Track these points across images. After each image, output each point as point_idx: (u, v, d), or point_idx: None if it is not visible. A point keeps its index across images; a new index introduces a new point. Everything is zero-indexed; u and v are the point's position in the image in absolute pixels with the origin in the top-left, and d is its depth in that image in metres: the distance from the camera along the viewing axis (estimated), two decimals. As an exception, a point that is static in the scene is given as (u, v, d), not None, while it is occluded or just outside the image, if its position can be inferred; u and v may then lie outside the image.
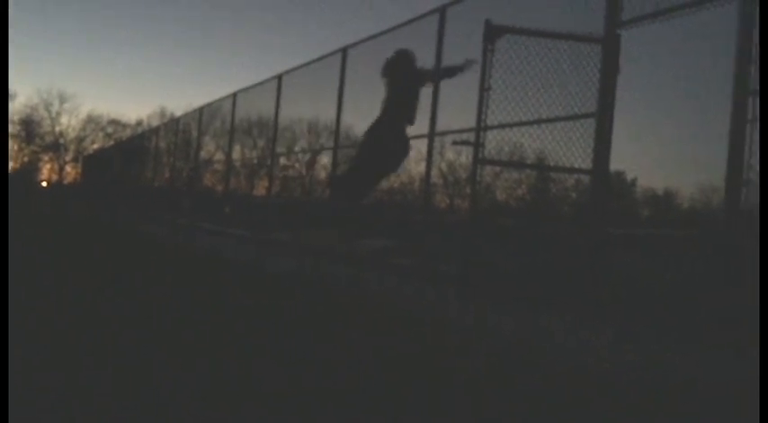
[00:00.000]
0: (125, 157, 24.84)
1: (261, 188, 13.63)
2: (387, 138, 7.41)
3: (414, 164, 8.71)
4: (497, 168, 12.90)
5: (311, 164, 13.49)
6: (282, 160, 13.32)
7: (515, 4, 6.20)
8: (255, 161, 13.84)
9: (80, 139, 55.96)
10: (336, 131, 9.41)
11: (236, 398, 2.03)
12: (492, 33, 5.39)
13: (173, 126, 19.37)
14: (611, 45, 4.98)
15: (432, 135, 7.11)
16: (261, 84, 12.49)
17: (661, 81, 5.39)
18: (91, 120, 56.12)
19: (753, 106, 3.91)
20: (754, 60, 3.95)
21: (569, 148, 5.66)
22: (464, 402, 2.15)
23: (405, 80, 7.28)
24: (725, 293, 3.93)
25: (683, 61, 4.91)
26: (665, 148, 5.43)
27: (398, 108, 7.32)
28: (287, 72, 11.25)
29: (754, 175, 4.06)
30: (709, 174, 4.69)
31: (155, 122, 38.87)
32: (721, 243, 4.10)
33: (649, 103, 5.78)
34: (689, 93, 4.87)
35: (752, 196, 4.14)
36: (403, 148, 7.49)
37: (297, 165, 14.87)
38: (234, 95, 13.85)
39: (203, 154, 16.54)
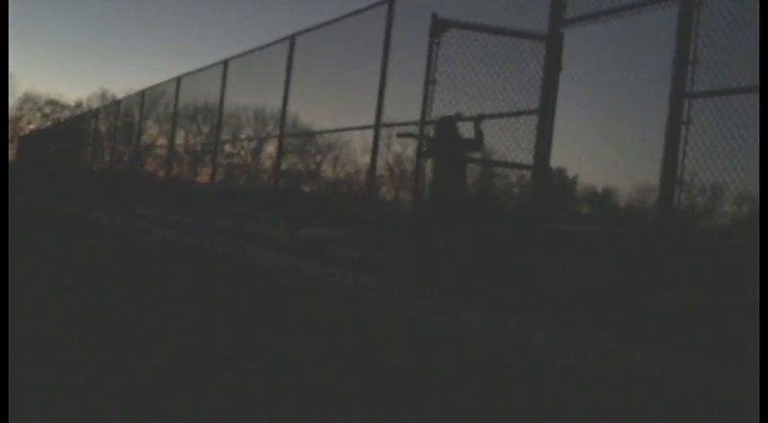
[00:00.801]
0: (63, 139, 24.07)
1: (205, 175, 13.40)
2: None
3: (360, 155, 8.69)
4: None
5: (257, 152, 13.32)
6: (227, 147, 13.12)
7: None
8: (199, 148, 13.59)
9: (16, 119, 53.97)
10: (282, 119, 9.30)
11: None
12: (438, 27, 5.39)
13: (113, 109, 18.85)
14: (555, 43, 5.04)
15: (377, 127, 7.09)
16: (206, 68, 12.24)
17: (605, 80, 5.48)
18: (28, 99, 54.16)
19: (687, 108, 4.02)
20: (691, 62, 4.05)
21: (513, 144, 5.73)
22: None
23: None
24: (656, 288, 4.04)
25: (627, 61, 5.00)
26: (606, 147, 5.53)
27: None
28: (233, 58, 11.06)
29: (687, 175, 4.18)
30: (647, 172, 4.79)
31: (95, 104, 37.76)
32: (655, 239, 4.20)
33: (592, 102, 5.88)
34: (631, 92, 4.96)
35: (685, 195, 4.26)
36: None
37: (242, 152, 14.67)
38: (178, 79, 13.54)
39: (145, 138, 16.15)
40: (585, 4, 4.77)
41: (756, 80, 3.72)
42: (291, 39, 9.04)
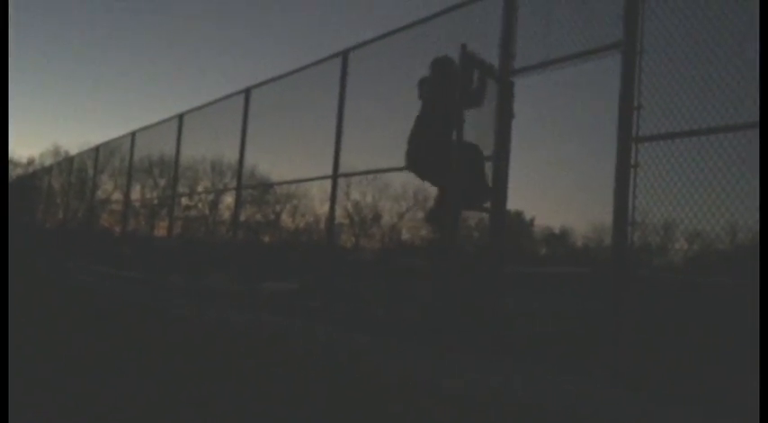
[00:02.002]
0: (15, 198, 23.55)
1: (161, 229, 13.23)
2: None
3: (319, 204, 8.71)
4: (402, 208, 12.99)
5: (215, 204, 13.24)
6: (184, 200, 13.01)
7: (413, 50, 6.38)
8: (156, 201, 13.44)
9: (-35, 178, 52.55)
10: (239, 171, 9.29)
11: None
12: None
13: (67, 165, 18.57)
14: (506, 91, 5.19)
15: (335, 176, 7.14)
16: (161, 123, 12.22)
17: (561, 126, 5.62)
18: (-23, 158, 52.87)
19: (635, 152, 4.16)
20: (636, 108, 4.21)
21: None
22: None
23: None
24: (608, 326, 4.10)
25: (579, 107, 5.15)
26: (562, 189, 5.65)
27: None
28: (188, 111, 11.08)
29: (639, 215, 4.30)
30: (601, 214, 4.91)
31: (48, 161, 37.14)
32: (608, 279, 4.28)
33: (548, 147, 6.03)
34: (583, 137, 5.10)
35: (637, 236, 4.37)
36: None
37: (200, 205, 14.55)
38: (133, 134, 13.48)
39: (100, 193, 15.91)
40: (533, 54, 4.93)
41: (697, 125, 3.89)
42: (247, 92, 9.13)
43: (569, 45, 4.71)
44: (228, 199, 11.39)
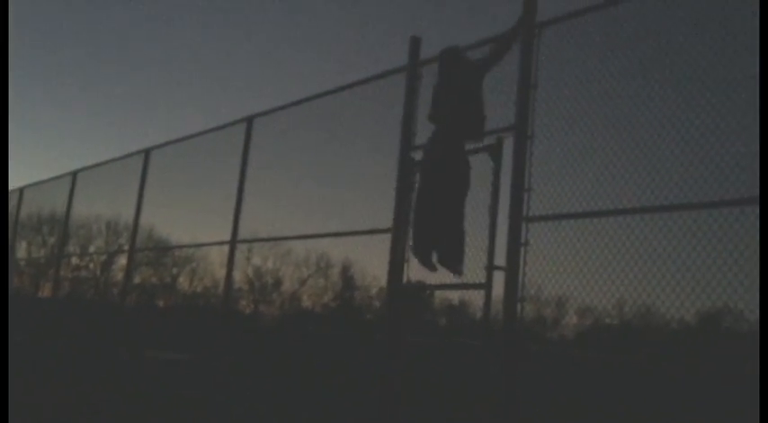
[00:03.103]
0: None
1: (47, 289, 12.51)
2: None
3: (218, 268, 8.51)
4: (304, 275, 12.91)
5: (107, 264, 12.70)
6: (75, 260, 12.42)
7: (321, 120, 6.47)
8: (43, 260, 12.76)
9: None
10: (134, 232, 8.99)
11: None
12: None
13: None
14: (406, 166, 5.31)
15: (233, 242, 7.03)
16: (53, 179, 11.73)
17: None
18: None
19: (525, 231, 4.32)
20: (526, 190, 4.40)
21: (371, 259, 5.89)
22: None
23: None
24: (500, 397, 4.15)
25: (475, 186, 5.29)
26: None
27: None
28: (83, 169, 10.71)
29: (533, 290, 4.43)
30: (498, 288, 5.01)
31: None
32: (500, 351, 4.36)
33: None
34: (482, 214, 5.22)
35: (528, 311, 4.49)
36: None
37: (91, 265, 13.92)
38: (21, 190, 12.85)
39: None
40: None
41: (583, 208, 4.11)
42: (147, 152, 8.94)
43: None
44: (123, 260, 10.96)
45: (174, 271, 11.76)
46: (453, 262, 4.73)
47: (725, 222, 3.64)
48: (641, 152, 4.17)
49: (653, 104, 4.16)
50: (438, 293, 9.62)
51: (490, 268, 4.46)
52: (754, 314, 3.58)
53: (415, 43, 5.54)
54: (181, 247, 8.85)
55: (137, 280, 10.33)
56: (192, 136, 8.12)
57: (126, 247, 9.57)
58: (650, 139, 4.12)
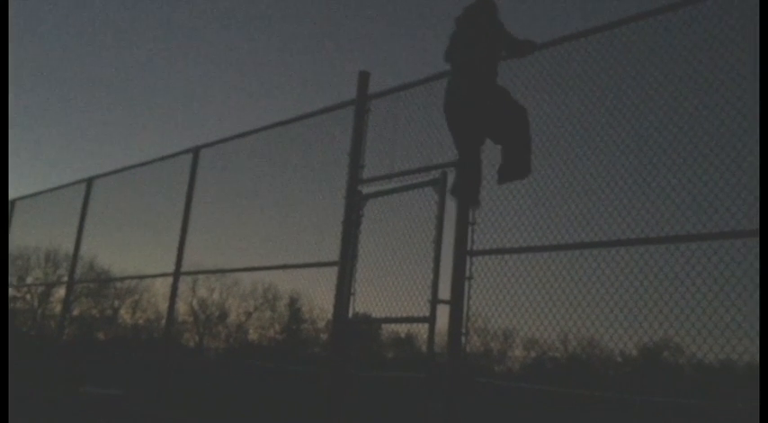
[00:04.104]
0: None
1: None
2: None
3: (162, 300, 8.32)
4: (251, 307, 12.66)
5: (45, 296, 12.30)
6: (11, 291, 11.98)
7: (269, 152, 6.45)
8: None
9: None
10: (73, 263, 8.74)
11: None
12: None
13: None
14: (353, 199, 5.32)
15: (177, 274, 6.89)
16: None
17: (402, 235, 5.72)
18: None
19: (470, 265, 4.36)
20: (471, 223, 4.45)
21: (317, 292, 5.84)
22: None
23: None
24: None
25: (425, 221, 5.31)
26: (409, 294, 5.74)
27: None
28: (21, 198, 10.41)
29: (472, 324, 4.46)
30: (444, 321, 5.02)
31: None
32: (445, 384, 4.35)
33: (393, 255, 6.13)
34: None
35: (472, 343, 4.51)
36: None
37: (28, 296, 13.46)
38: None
39: None
40: (378, 167, 5.17)
41: (526, 243, 4.18)
42: (89, 181, 8.74)
43: (413, 161, 4.99)
44: (62, 291, 10.63)
45: (116, 303, 11.44)
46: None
47: (660, 258, 3.75)
48: (582, 188, 4.28)
49: (593, 143, 4.28)
50: (385, 326, 9.58)
51: (434, 302, 4.47)
52: (690, 348, 3.67)
53: (364, 78, 5.60)
54: (123, 278, 8.63)
55: (76, 312, 10.01)
56: (136, 165, 7.99)
57: (65, 279, 9.28)
58: (590, 176, 4.22)
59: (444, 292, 4.51)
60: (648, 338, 3.90)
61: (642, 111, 4.03)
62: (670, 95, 3.97)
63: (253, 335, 11.79)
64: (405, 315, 4.80)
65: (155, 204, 7.69)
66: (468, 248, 4.38)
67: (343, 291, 5.39)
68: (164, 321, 7.09)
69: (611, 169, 4.07)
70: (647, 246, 3.77)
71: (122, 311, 11.63)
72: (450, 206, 4.51)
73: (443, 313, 4.51)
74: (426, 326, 4.58)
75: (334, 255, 5.47)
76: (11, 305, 12.07)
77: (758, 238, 3.33)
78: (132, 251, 8.28)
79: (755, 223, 3.36)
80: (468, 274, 4.37)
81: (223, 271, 6.78)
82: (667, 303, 3.68)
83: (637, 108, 4.05)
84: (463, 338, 4.37)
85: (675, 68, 3.98)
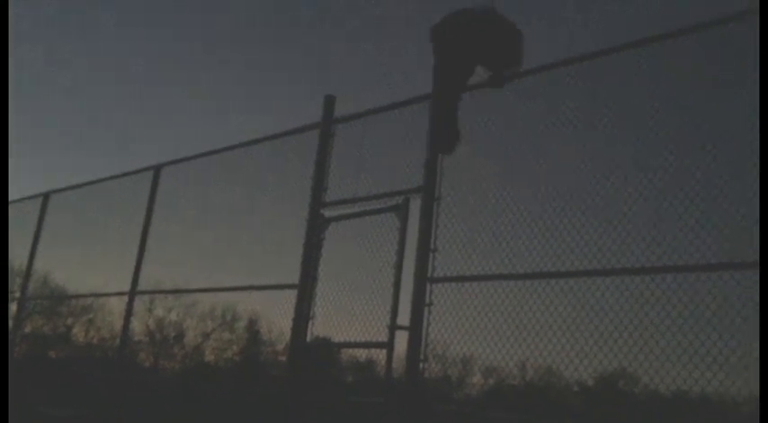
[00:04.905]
0: None
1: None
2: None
3: (119, 318, 8.16)
4: (209, 328, 12.52)
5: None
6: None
7: (233, 173, 6.42)
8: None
9: None
10: (26, 279, 8.53)
11: None
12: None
13: None
14: (315, 222, 5.31)
15: (132, 293, 6.77)
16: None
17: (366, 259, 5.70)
18: None
19: (429, 292, 4.37)
20: (432, 250, 4.47)
21: (277, 315, 5.80)
22: None
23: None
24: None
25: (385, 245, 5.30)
26: (366, 321, 5.73)
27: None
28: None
29: (431, 351, 4.45)
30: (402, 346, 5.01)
31: None
32: (402, 409, 4.33)
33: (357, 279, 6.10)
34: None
35: (432, 369, 4.50)
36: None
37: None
38: None
39: None
40: (342, 191, 5.18)
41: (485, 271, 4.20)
42: (45, 196, 8.57)
43: (377, 186, 5.01)
44: (13, 307, 10.33)
45: (70, 321, 11.17)
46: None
47: (616, 290, 3.81)
48: (542, 218, 4.33)
49: (553, 172, 4.34)
50: (345, 350, 9.51)
51: (393, 327, 4.47)
52: (646, 376, 3.73)
53: (330, 101, 5.63)
54: (77, 296, 8.45)
55: (27, 329, 9.74)
56: (96, 181, 7.86)
57: (17, 295, 9.04)
58: (550, 208, 4.28)
59: (404, 317, 4.52)
60: (603, 369, 3.95)
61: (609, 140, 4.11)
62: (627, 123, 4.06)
63: (210, 356, 11.59)
64: (364, 340, 4.79)
65: (114, 222, 7.56)
66: (429, 275, 4.39)
67: (302, 314, 5.36)
68: (118, 340, 6.93)
69: (570, 201, 4.13)
70: (605, 277, 3.82)
71: (76, 329, 11.36)
72: (412, 233, 4.54)
73: (403, 339, 4.51)
74: (385, 351, 4.57)
75: (295, 277, 5.44)
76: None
77: (714, 273, 3.41)
78: (89, 268, 8.13)
79: (710, 258, 3.45)
80: (428, 300, 4.38)
81: (180, 291, 6.69)
82: (621, 334, 3.73)
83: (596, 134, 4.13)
84: (422, 364, 4.36)
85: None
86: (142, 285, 6.84)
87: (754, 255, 3.32)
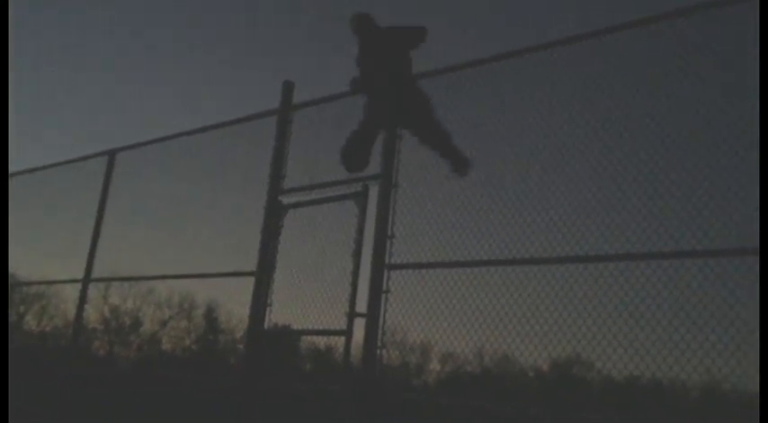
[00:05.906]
0: None
1: None
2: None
3: (72, 306, 8.00)
4: (166, 316, 12.33)
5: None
6: None
7: (190, 159, 6.31)
8: None
9: None
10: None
11: None
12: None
13: None
14: (273, 209, 5.26)
15: (86, 281, 6.63)
16: None
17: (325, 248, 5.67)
18: None
19: (387, 279, 4.37)
20: (389, 237, 4.47)
21: (235, 302, 5.74)
22: None
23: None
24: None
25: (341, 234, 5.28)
26: (321, 308, 5.72)
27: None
28: None
29: (389, 338, 4.46)
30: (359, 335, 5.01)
31: None
32: (359, 396, 4.34)
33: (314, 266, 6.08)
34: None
35: (390, 355, 4.51)
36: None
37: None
38: None
39: None
40: (301, 178, 5.14)
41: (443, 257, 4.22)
42: (0, 180, 8.34)
43: (335, 173, 4.98)
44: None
45: (22, 309, 10.91)
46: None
47: (570, 277, 3.86)
48: (502, 204, 4.34)
49: (516, 158, 4.36)
50: (304, 338, 9.48)
51: (351, 315, 4.46)
52: (600, 362, 3.79)
53: (288, 88, 5.56)
54: (30, 283, 8.24)
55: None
56: (50, 166, 7.67)
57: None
58: (512, 192, 4.29)
59: (362, 305, 4.52)
60: (558, 355, 4.01)
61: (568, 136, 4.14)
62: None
63: (167, 344, 11.47)
64: (322, 327, 4.77)
65: (68, 207, 7.39)
66: (387, 262, 4.39)
67: (260, 301, 5.31)
68: (72, 329, 6.79)
69: (533, 186, 4.15)
70: (560, 264, 3.87)
71: (29, 317, 11.10)
72: (370, 220, 4.53)
73: (361, 326, 4.51)
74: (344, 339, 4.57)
75: (253, 265, 5.39)
76: None
77: (663, 261, 3.48)
78: (42, 255, 7.94)
79: (663, 246, 3.52)
80: (385, 287, 4.38)
81: (135, 279, 6.56)
82: (575, 321, 3.78)
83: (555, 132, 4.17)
84: (379, 351, 4.36)
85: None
86: (97, 273, 6.69)
87: (707, 243, 3.40)
